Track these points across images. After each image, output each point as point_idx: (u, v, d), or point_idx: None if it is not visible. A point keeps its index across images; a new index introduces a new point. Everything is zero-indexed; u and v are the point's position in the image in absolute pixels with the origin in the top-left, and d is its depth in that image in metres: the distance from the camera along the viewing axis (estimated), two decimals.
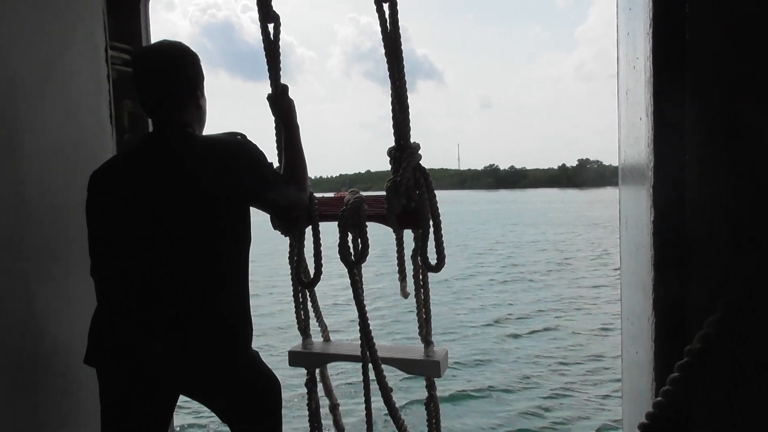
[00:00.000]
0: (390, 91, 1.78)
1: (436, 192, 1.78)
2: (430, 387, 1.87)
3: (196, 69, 1.75)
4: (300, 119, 1.89)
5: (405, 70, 1.76)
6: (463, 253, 21.42)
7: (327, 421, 2.08)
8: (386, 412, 1.77)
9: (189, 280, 1.60)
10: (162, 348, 1.59)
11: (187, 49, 1.73)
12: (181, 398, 1.81)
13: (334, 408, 2.08)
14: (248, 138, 1.74)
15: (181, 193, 1.60)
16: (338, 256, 1.82)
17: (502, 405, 6.70)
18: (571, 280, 15.61)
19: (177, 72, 1.69)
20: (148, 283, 1.60)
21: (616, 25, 1.63)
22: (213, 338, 1.63)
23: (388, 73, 1.76)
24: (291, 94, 1.90)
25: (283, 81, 1.90)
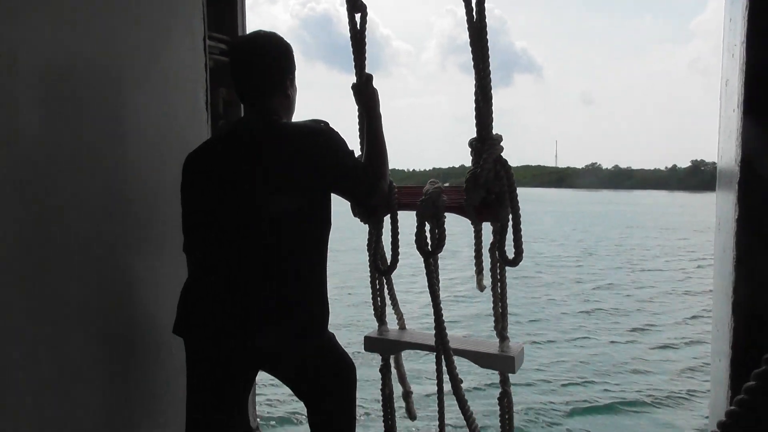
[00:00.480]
0: (474, 84, 1.76)
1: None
2: (504, 382, 1.84)
3: (287, 59, 1.83)
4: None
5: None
6: (559, 251, 20.76)
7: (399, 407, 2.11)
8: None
9: (271, 260, 1.68)
10: (243, 324, 1.68)
11: (280, 39, 1.81)
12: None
13: (407, 395, 2.10)
14: (331, 125, 1.79)
15: (266, 177, 1.68)
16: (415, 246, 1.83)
17: (576, 406, 6.50)
18: (675, 284, 14.74)
19: (267, 61, 1.79)
20: (233, 261, 1.70)
21: (724, 11, 1.52)
22: (291, 318, 1.70)
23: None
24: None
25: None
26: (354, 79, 1.94)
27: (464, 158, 1.86)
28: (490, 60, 1.74)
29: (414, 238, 1.81)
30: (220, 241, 1.73)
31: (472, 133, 1.79)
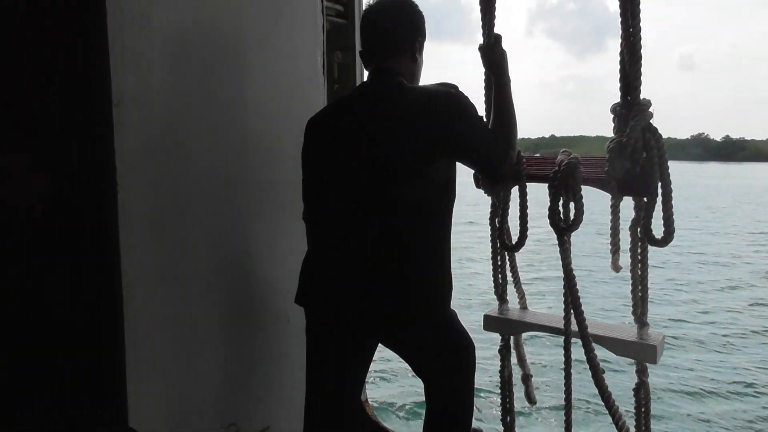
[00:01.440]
0: (621, 42, 1.58)
1: None
2: (641, 372, 1.68)
3: (417, 24, 1.75)
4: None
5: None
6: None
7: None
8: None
9: (394, 231, 1.61)
10: (363, 296, 1.63)
11: (413, 4, 1.74)
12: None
13: (526, 378, 1.98)
14: (460, 89, 1.67)
15: (392, 143, 1.60)
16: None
17: (712, 407, 5.98)
18: None
19: (397, 19, 1.71)
20: (355, 231, 1.64)
21: None
22: (413, 292, 1.64)
23: (620, 22, 1.56)
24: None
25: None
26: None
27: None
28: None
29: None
30: (342, 209, 1.68)
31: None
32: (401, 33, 1.71)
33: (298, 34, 2.16)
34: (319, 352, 1.75)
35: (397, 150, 1.60)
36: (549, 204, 1.66)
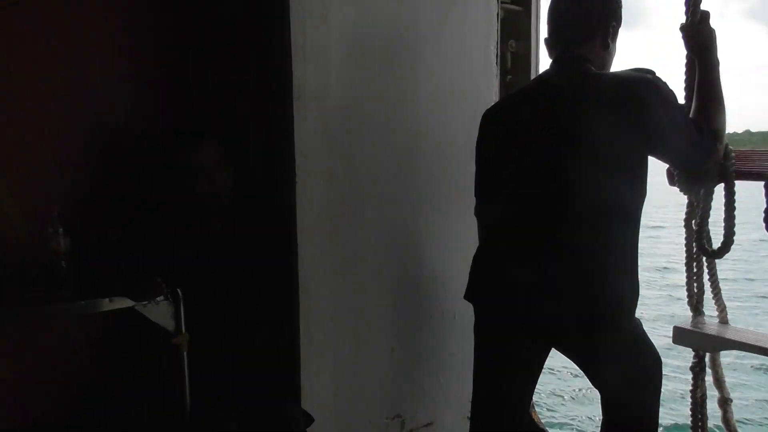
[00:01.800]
0: None
1: None
2: None
3: (613, 8, 1.58)
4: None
5: None
6: None
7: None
8: None
9: (577, 232, 1.48)
10: (539, 298, 1.52)
11: None
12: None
13: (724, 402, 1.74)
14: (658, 75, 1.49)
15: (578, 136, 1.47)
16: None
17: None
18: None
19: (590, 4, 1.56)
20: (531, 229, 1.54)
21: None
22: (595, 296, 1.50)
23: None
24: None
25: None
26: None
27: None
28: None
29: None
30: (517, 206, 1.58)
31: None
32: (594, 16, 1.56)
33: (471, 24, 2.08)
34: (489, 354, 1.68)
35: (583, 144, 1.46)
36: (766, 206, 1.43)
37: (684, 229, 1.71)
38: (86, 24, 1.81)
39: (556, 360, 1.84)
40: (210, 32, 1.96)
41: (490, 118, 1.68)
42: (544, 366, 1.72)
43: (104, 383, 2.04)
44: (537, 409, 2.42)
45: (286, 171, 1.78)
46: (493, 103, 1.91)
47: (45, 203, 1.56)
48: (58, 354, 1.96)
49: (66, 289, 1.54)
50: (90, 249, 1.70)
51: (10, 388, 1.88)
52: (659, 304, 8.93)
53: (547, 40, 1.63)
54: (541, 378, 1.75)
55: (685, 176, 1.61)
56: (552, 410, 5.54)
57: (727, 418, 1.73)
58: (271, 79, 1.86)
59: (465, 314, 2.01)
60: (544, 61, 2.25)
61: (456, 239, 2.04)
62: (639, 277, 1.55)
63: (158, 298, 1.55)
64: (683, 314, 1.82)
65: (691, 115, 1.53)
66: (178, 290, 1.58)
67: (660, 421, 1.64)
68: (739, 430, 1.76)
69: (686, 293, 1.75)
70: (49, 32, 1.79)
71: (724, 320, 1.73)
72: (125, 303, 1.52)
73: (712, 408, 1.79)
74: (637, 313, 1.58)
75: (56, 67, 1.84)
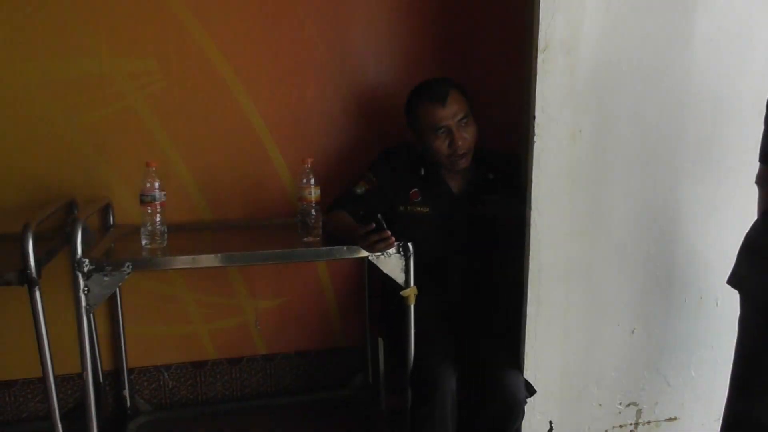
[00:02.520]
0: None
1: None
2: None
3: None
4: None
5: None
6: None
7: None
8: None
9: None
10: None
11: None
12: None
13: None
14: None
15: None
16: None
17: None
18: None
19: None
20: None
21: None
22: None
23: None
24: None
25: None
26: None
27: None
28: None
29: None
30: None
31: None
32: None
33: None
34: (755, 358, 1.39)
35: None
36: None
37: None
38: None
39: None
40: None
41: None
42: None
43: (347, 323, 2.26)
44: None
45: (524, 128, 1.68)
46: None
47: (303, 157, 1.71)
48: (311, 291, 2.21)
49: (315, 235, 1.69)
50: (338, 199, 1.84)
51: (276, 318, 2.19)
52: None
53: None
54: None
55: None
56: None
57: None
58: (517, 30, 1.75)
59: (730, 302, 1.70)
60: None
61: (726, 213, 1.72)
62: None
63: (390, 251, 1.62)
64: None
65: None
66: (409, 244, 1.63)
67: None
68: None
69: None
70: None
71: None
72: (361, 253, 1.62)
73: None
74: None
75: (323, 34, 2.00)
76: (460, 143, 1.72)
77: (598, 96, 1.61)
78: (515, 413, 1.61)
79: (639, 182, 1.69)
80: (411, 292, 1.66)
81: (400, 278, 1.65)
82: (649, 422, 1.87)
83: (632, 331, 1.78)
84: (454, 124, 1.72)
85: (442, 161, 1.77)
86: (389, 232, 1.52)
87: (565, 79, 1.58)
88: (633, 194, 1.69)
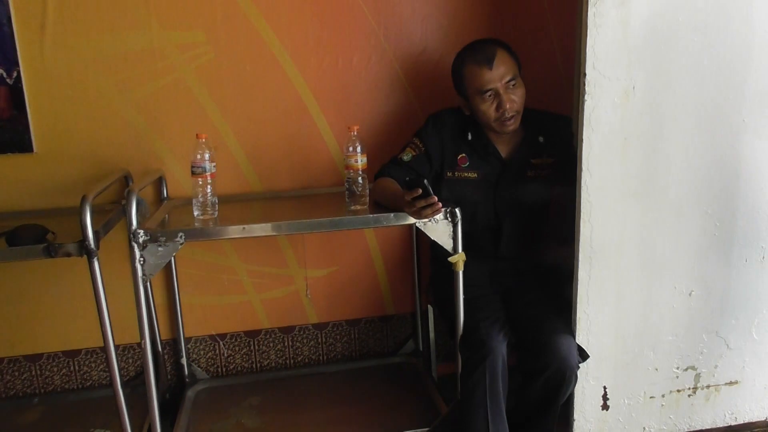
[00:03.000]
0: None
1: None
2: None
3: None
4: None
5: None
6: None
7: None
8: None
9: None
10: None
11: None
12: None
13: None
14: None
15: None
16: None
17: None
18: None
19: None
20: None
21: None
22: None
23: None
24: None
25: None
26: None
27: None
28: None
29: None
30: None
31: None
32: None
33: None
34: None
35: None
36: None
37: None
38: None
39: None
40: None
41: None
42: None
43: (397, 290, 2.27)
44: None
45: (575, 86, 1.63)
46: None
47: (349, 126, 1.71)
48: (360, 260, 2.22)
49: (362, 203, 1.70)
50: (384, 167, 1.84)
51: (326, 288, 2.22)
52: None
53: None
54: None
55: None
56: None
57: None
58: None
59: None
60: None
61: None
62: None
63: (437, 218, 1.61)
64: None
65: None
66: (457, 210, 1.61)
67: None
68: None
69: None
70: None
71: None
72: (408, 220, 1.61)
73: None
74: None
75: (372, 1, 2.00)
76: (507, 106, 1.68)
77: (652, 50, 1.55)
78: (568, 379, 1.59)
79: (696, 139, 1.62)
80: (459, 258, 1.64)
81: (448, 244, 1.64)
82: (708, 386, 1.82)
83: (690, 293, 1.73)
84: (502, 87, 1.68)
85: (490, 124, 1.74)
86: (436, 198, 1.50)
87: (618, 33, 1.52)
88: (690, 152, 1.63)
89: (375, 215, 1.64)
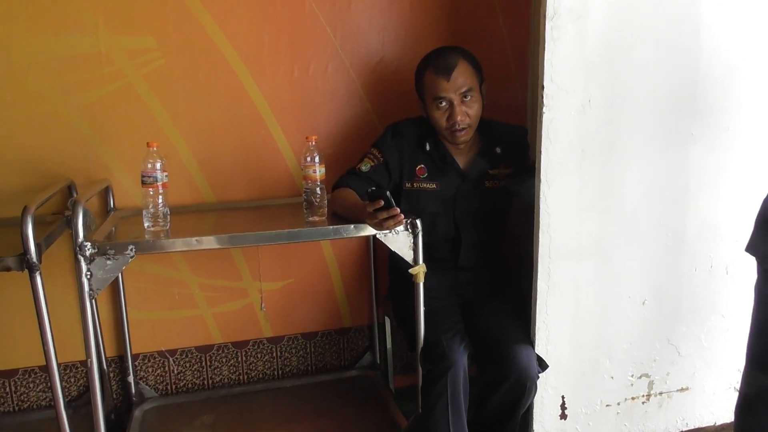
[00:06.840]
0: None
1: None
2: None
3: None
4: None
5: None
6: None
7: None
8: None
9: None
10: None
11: None
12: None
13: None
14: None
15: None
16: None
17: None
18: None
19: None
20: None
21: None
22: None
23: None
24: None
25: None
26: None
27: None
28: None
29: None
30: None
31: None
32: None
33: None
34: None
35: None
36: None
37: None
38: None
39: None
40: None
41: None
42: None
43: (354, 303, 2.23)
44: None
45: (529, 98, 1.65)
46: None
47: (306, 135, 1.67)
48: (316, 272, 2.18)
49: (321, 214, 1.66)
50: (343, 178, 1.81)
51: (281, 301, 2.16)
52: None
53: None
54: None
55: None
56: None
57: None
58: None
59: (741, 270, 1.69)
60: None
61: (734, 181, 1.70)
62: None
63: (398, 229, 1.59)
64: None
65: None
66: (417, 221, 1.60)
67: None
68: None
69: None
70: None
71: None
72: (368, 231, 1.59)
73: None
74: None
75: (324, 8, 1.97)
76: (458, 118, 1.69)
77: (608, 64, 1.58)
78: (528, 389, 1.59)
79: (649, 152, 1.67)
80: (420, 270, 1.63)
81: (408, 256, 1.62)
82: (661, 393, 1.86)
83: (643, 302, 1.77)
84: (457, 98, 1.69)
85: (442, 132, 1.75)
86: (398, 209, 1.48)
87: (575, 47, 1.55)
88: (643, 164, 1.67)
89: (335, 227, 1.61)
